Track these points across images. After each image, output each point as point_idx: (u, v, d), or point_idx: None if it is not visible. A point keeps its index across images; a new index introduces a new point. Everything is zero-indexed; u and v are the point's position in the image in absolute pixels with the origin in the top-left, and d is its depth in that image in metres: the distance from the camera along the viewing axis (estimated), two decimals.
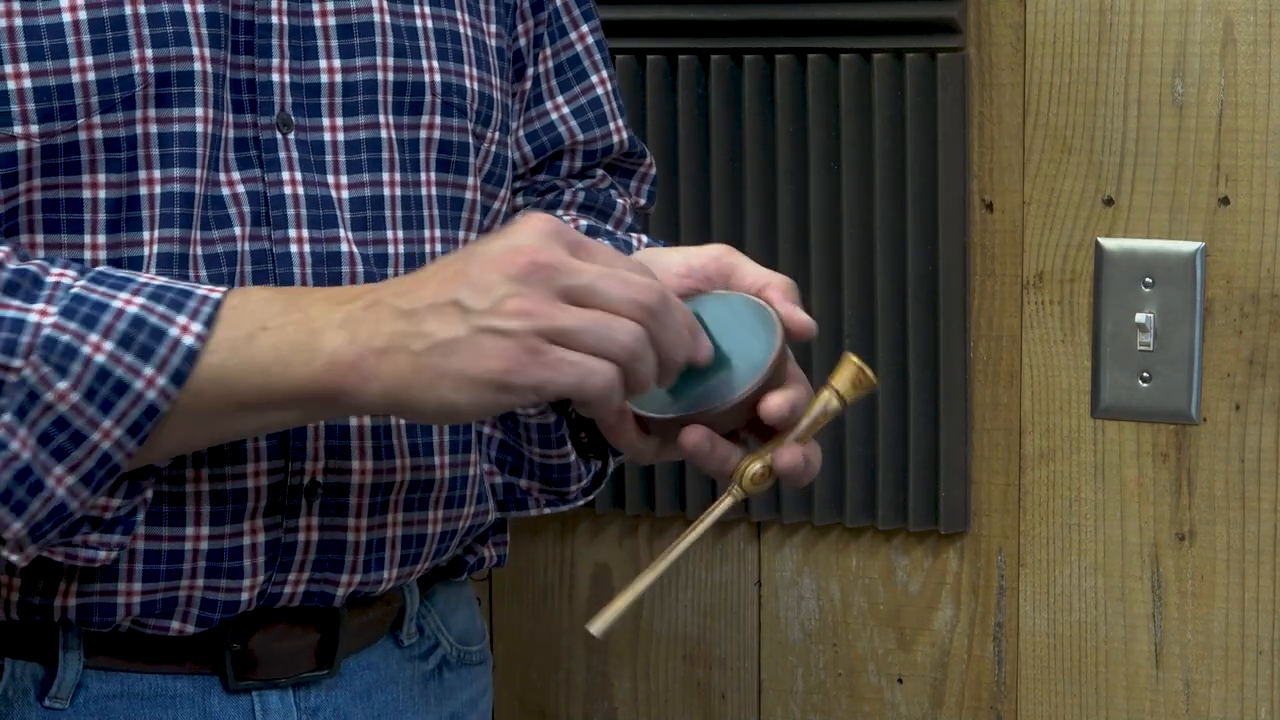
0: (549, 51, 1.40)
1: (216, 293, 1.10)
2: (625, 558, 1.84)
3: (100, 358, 1.07)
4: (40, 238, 1.15)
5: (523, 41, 1.38)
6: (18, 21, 1.12)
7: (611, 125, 1.43)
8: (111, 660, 1.22)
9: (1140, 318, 1.65)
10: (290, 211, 1.20)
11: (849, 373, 1.19)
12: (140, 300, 1.09)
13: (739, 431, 1.18)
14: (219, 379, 1.09)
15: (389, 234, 1.24)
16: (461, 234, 1.29)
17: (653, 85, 1.74)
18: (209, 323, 1.08)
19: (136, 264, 1.15)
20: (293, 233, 1.20)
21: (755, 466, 1.16)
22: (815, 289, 1.71)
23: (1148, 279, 1.65)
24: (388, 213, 1.24)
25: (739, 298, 1.19)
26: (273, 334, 1.09)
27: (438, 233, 1.26)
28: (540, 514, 1.37)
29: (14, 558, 1.11)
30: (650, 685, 1.84)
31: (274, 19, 1.21)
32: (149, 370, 1.08)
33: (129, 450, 1.09)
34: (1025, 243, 1.68)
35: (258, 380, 1.09)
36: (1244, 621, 1.66)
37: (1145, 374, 1.66)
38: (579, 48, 1.41)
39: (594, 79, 1.41)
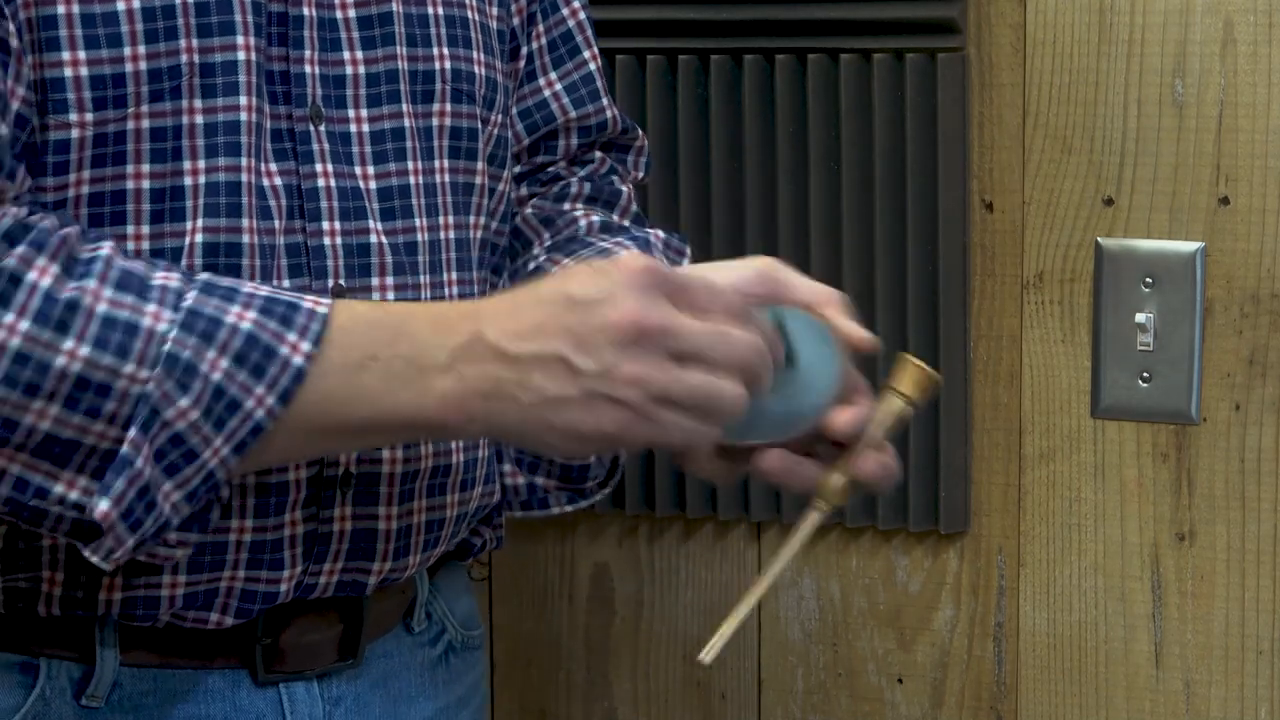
0: (541, 28, 1.40)
1: (323, 306, 1.11)
2: (625, 558, 1.83)
3: (217, 375, 1.08)
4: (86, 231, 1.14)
5: (516, 20, 1.38)
6: (75, 9, 1.13)
7: (604, 101, 1.43)
8: (146, 656, 1.22)
9: (1140, 318, 1.66)
10: (324, 204, 1.21)
11: (911, 375, 1.21)
12: (252, 315, 1.09)
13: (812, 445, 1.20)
14: (324, 403, 1.10)
15: (416, 221, 1.25)
16: (471, 218, 1.30)
17: (653, 85, 1.74)
18: (317, 341, 1.09)
19: (178, 254, 1.16)
20: (326, 225, 1.21)
21: (838, 480, 1.19)
22: None
23: (1148, 279, 1.65)
24: (413, 201, 1.25)
25: (794, 314, 1.19)
26: (382, 365, 1.10)
27: (451, 219, 1.28)
28: (562, 511, 1.39)
29: (108, 565, 1.11)
30: (650, 685, 1.84)
31: (305, 10, 1.21)
32: (260, 389, 1.08)
33: (231, 467, 1.10)
34: (1025, 243, 1.69)
35: (364, 409, 1.10)
36: (1244, 621, 1.66)
37: (1145, 374, 1.66)
38: (571, 23, 1.42)
39: (586, 54, 1.42)
